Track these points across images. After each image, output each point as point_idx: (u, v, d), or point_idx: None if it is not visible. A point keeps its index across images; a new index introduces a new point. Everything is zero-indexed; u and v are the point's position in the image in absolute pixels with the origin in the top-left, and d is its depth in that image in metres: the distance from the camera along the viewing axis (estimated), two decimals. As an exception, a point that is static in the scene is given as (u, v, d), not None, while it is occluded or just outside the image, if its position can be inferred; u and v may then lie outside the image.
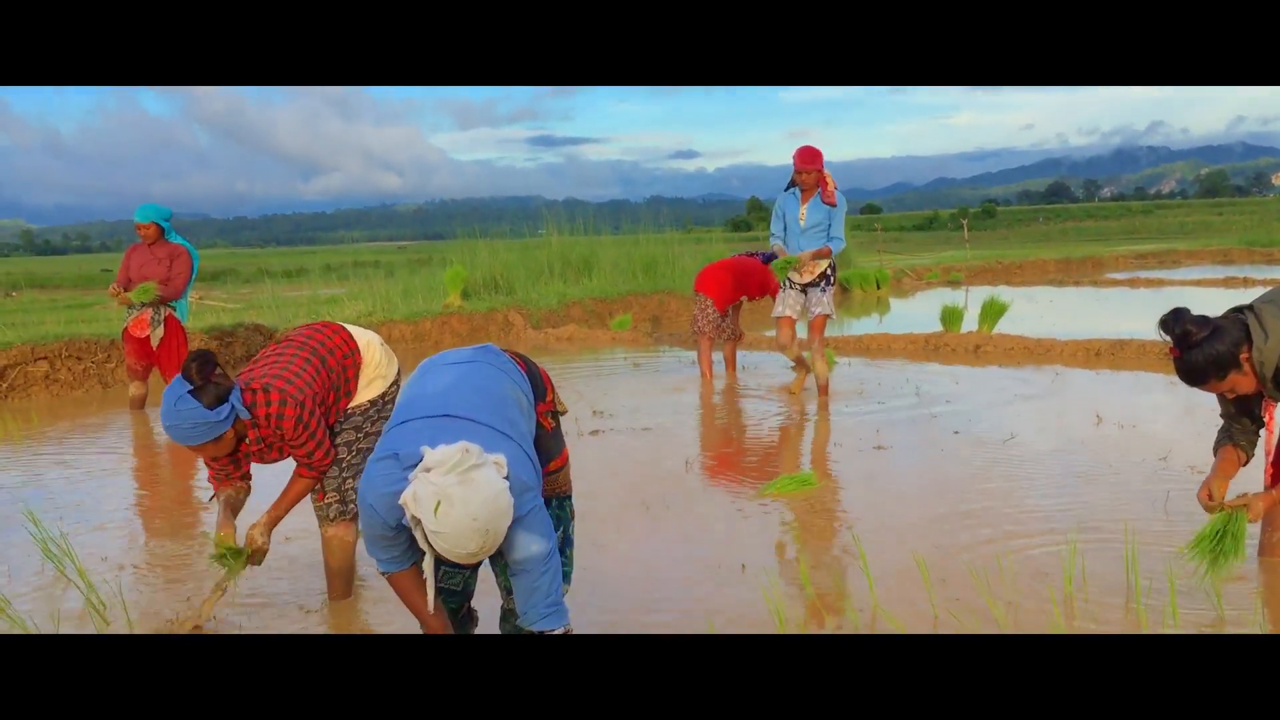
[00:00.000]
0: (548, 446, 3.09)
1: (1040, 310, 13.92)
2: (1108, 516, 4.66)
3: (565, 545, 3.25)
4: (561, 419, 3.25)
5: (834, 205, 7.51)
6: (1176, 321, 3.43)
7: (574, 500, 3.35)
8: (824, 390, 7.81)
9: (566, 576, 3.22)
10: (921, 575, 3.84)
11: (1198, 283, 17.33)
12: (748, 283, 9.08)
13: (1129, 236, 39.28)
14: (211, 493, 3.81)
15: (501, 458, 2.64)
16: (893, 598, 3.83)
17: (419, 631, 3.07)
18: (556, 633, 2.77)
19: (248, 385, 3.53)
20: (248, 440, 3.59)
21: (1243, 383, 3.47)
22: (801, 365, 8.13)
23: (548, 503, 3.12)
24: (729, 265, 9.19)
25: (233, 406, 3.43)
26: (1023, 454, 5.96)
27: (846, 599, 3.83)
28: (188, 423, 3.35)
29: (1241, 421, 3.80)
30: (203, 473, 6.31)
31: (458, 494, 2.49)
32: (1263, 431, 3.83)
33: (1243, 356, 3.39)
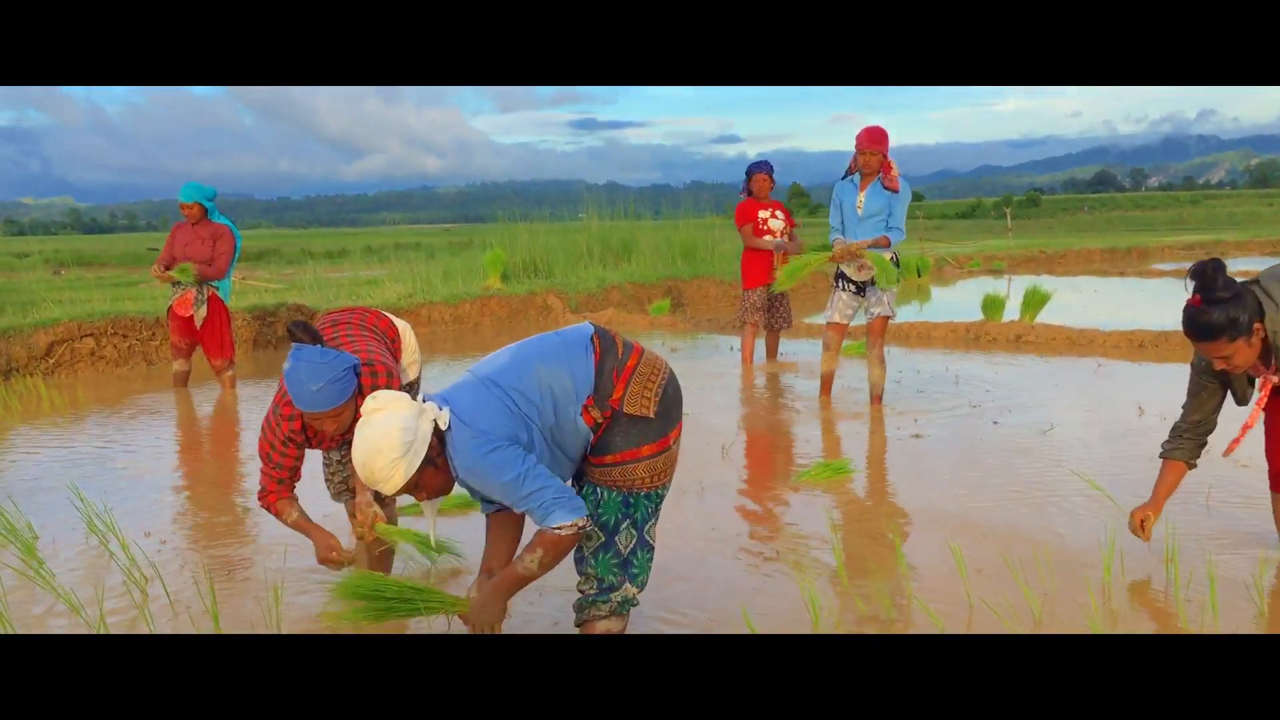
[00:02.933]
0: (606, 440, 3.05)
1: (1084, 300, 13.77)
2: (1148, 509, 4.61)
3: (639, 548, 3.16)
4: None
5: (896, 191, 6.78)
6: (1214, 270, 3.45)
7: (652, 499, 3.16)
8: (877, 400, 7.13)
9: (635, 580, 3.18)
10: (958, 565, 3.82)
11: (1245, 273, 17.01)
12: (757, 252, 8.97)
13: (1176, 226, 38.78)
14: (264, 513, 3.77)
15: (443, 410, 2.92)
16: (928, 587, 3.81)
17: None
18: (565, 526, 2.90)
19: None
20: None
21: (1243, 353, 3.55)
22: (827, 389, 7.43)
23: (595, 491, 3.11)
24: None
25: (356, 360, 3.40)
26: (1063, 445, 5.91)
27: (881, 588, 3.82)
28: (338, 371, 3.28)
29: (1206, 415, 3.93)
30: (246, 448, 6.39)
31: (356, 435, 2.92)
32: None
33: (1256, 326, 3.44)
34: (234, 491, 5.54)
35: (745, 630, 3.36)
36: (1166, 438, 4.03)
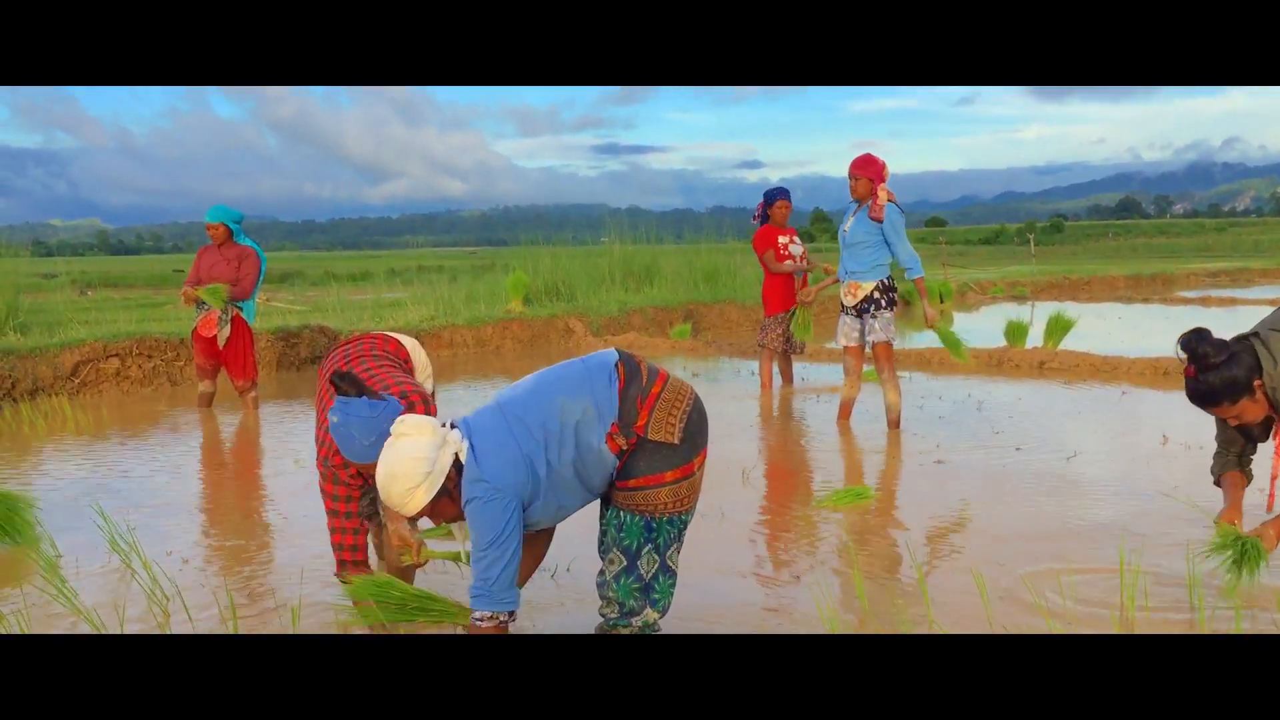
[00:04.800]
0: (631, 465, 3.07)
1: (1108, 327, 13.69)
2: (1171, 538, 4.57)
3: (661, 573, 3.18)
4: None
5: (880, 221, 6.76)
6: (1200, 341, 3.44)
7: (674, 525, 3.17)
8: (894, 425, 7.13)
9: (657, 605, 3.20)
10: (979, 591, 3.79)
11: (1272, 302, 16.90)
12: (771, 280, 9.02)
13: (1202, 254, 38.52)
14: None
15: (460, 442, 2.99)
16: (949, 613, 3.78)
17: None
18: (483, 616, 2.97)
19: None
20: None
21: (1251, 410, 3.54)
22: (846, 414, 7.43)
23: (618, 515, 3.13)
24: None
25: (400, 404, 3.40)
26: (1086, 472, 5.87)
27: (902, 614, 3.80)
28: (390, 424, 3.18)
29: (1240, 444, 3.86)
30: (268, 469, 6.41)
31: (380, 456, 3.01)
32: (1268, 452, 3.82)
33: (1256, 383, 3.42)
34: (256, 512, 5.56)
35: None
36: (1212, 462, 3.98)
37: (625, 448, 3.04)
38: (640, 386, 3.09)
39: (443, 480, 2.97)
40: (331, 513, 3.68)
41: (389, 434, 3.15)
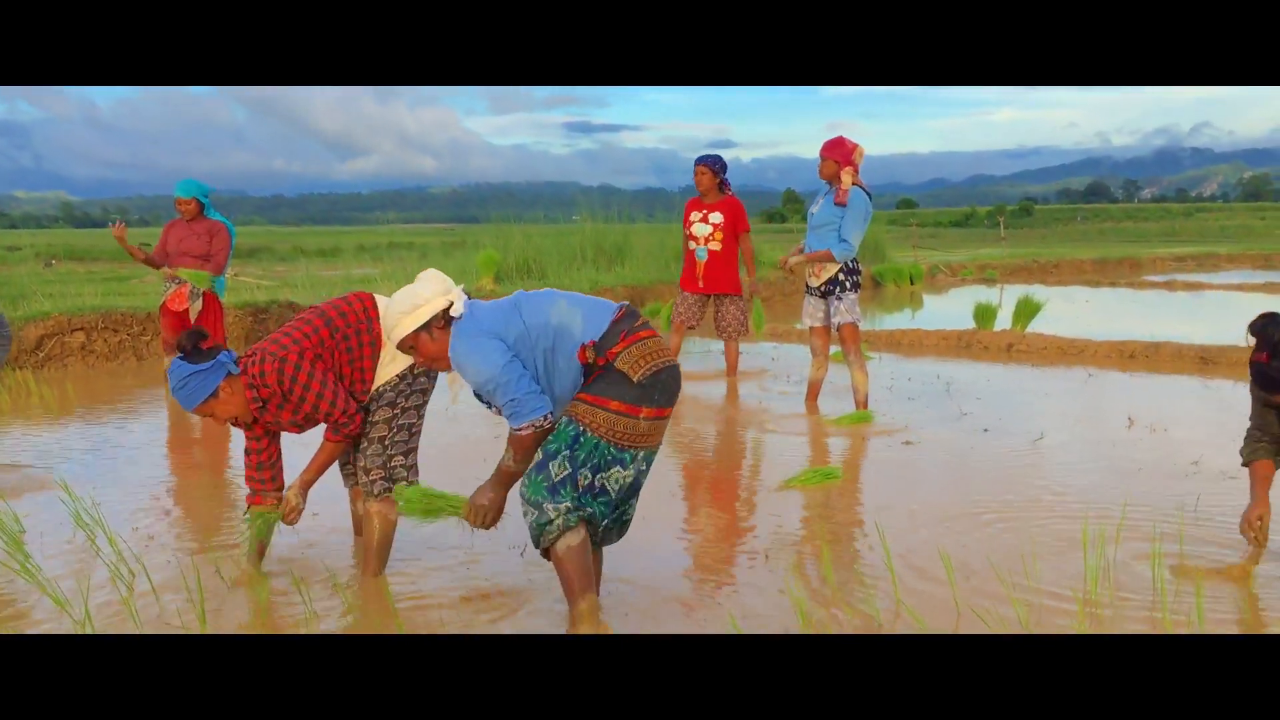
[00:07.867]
0: (592, 383, 3.32)
1: (1075, 310, 13.79)
2: (1136, 518, 4.62)
3: (568, 484, 3.30)
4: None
5: (843, 205, 6.77)
6: (1275, 328, 3.48)
7: (599, 451, 3.31)
8: (862, 405, 7.08)
9: (559, 507, 3.29)
10: (945, 570, 3.82)
11: (1238, 287, 17.12)
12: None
13: (1168, 238, 38.82)
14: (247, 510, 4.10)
15: (459, 301, 3.42)
16: (915, 592, 3.81)
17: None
18: (525, 427, 3.27)
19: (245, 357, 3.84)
20: (254, 398, 3.82)
21: None
22: (814, 395, 7.42)
23: (558, 423, 3.35)
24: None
25: (219, 360, 3.74)
26: (1052, 453, 5.92)
27: (869, 592, 3.82)
28: (180, 380, 3.70)
29: (1275, 430, 3.88)
30: (234, 444, 6.38)
31: None
32: None
33: None
34: (222, 487, 5.53)
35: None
36: (1243, 445, 4.05)
37: (593, 363, 3.29)
38: (631, 326, 3.35)
39: (429, 317, 3.35)
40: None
41: (179, 390, 3.71)
